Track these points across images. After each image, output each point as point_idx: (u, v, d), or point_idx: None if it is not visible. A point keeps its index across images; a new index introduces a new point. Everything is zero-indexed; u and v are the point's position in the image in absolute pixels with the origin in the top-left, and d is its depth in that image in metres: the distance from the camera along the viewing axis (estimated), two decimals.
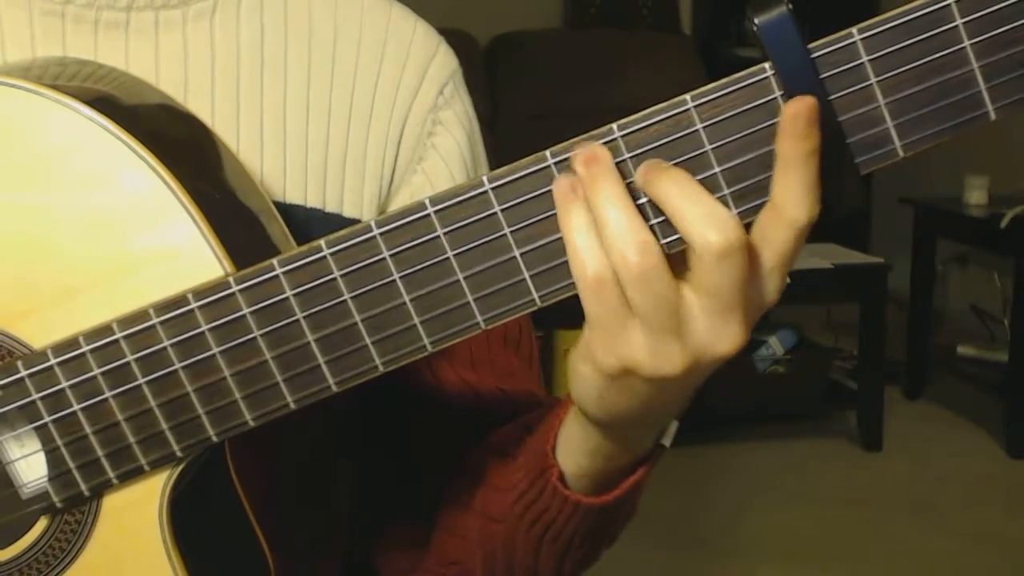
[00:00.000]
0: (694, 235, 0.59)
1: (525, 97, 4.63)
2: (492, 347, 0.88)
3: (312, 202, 0.83)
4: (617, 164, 0.61)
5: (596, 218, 0.60)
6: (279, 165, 0.82)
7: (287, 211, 0.81)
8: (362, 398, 0.82)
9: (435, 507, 0.86)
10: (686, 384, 0.63)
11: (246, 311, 0.65)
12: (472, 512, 0.82)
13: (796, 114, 0.58)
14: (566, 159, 0.61)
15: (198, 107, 0.80)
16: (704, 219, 0.59)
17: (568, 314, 0.66)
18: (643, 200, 0.61)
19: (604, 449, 0.70)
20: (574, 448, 0.71)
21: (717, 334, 0.60)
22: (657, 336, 0.60)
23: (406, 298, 0.64)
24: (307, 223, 0.81)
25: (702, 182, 0.61)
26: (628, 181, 0.61)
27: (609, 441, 0.69)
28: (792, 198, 0.59)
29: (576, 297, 0.63)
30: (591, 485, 0.72)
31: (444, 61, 0.89)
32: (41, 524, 0.71)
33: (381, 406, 0.87)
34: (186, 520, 0.70)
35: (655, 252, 0.60)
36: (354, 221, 0.84)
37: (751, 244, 0.60)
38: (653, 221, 0.61)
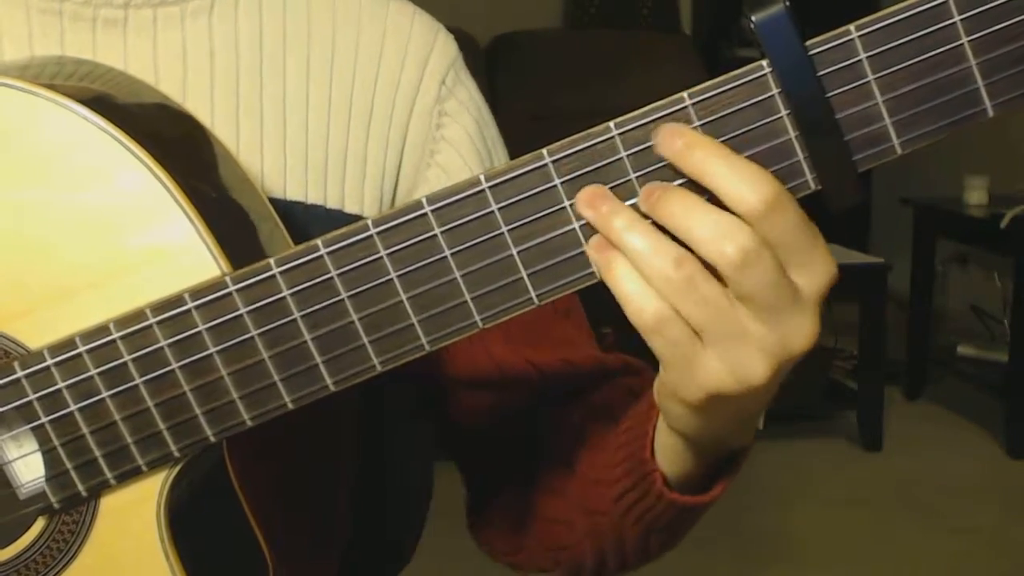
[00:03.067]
0: (709, 252, 0.58)
1: (525, 97, 4.63)
2: (546, 320, 0.87)
3: (313, 199, 0.83)
4: (615, 163, 0.61)
5: (624, 252, 0.60)
6: (279, 162, 0.82)
7: (287, 208, 0.80)
8: (416, 402, 0.85)
9: (525, 492, 0.87)
10: (773, 385, 0.62)
11: (243, 310, 0.65)
12: (568, 502, 0.83)
13: (669, 133, 0.59)
14: (563, 157, 0.61)
15: (197, 105, 0.79)
16: (714, 233, 0.58)
17: None
18: None
19: (701, 451, 0.71)
20: (670, 455, 0.72)
21: (783, 333, 0.60)
22: (729, 348, 0.60)
23: (403, 297, 0.64)
24: (307, 220, 0.81)
25: None
26: (626, 179, 0.61)
27: (706, 448, 0.70)
28: (733, 189, 0.59)
29: (577, 293, 0.63)
30: (688, 482, 0.74)
31: (443, 50, 0.88)
32: (39, 524, 0.70)
33: (444, 408, 0.88)
34: (184, 520, 0.70)
35: (691, 260, 0.59)
36: (355, 217, 0.84)
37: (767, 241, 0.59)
38: None
